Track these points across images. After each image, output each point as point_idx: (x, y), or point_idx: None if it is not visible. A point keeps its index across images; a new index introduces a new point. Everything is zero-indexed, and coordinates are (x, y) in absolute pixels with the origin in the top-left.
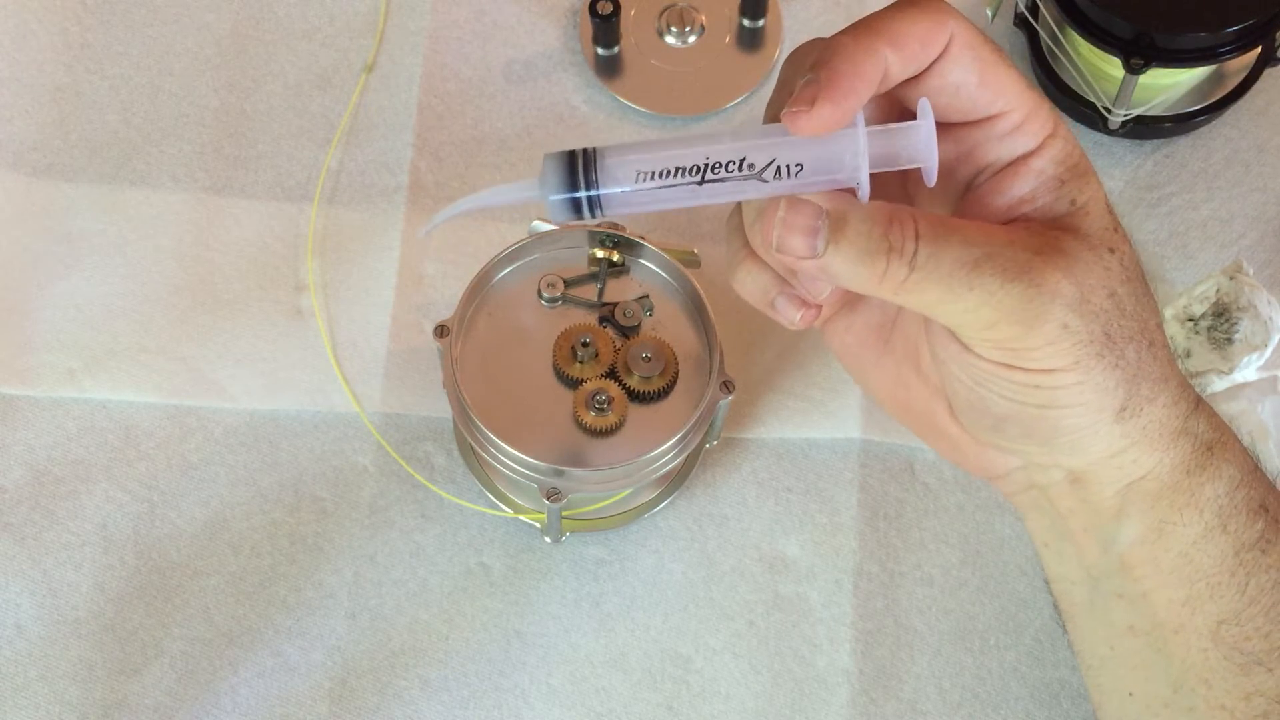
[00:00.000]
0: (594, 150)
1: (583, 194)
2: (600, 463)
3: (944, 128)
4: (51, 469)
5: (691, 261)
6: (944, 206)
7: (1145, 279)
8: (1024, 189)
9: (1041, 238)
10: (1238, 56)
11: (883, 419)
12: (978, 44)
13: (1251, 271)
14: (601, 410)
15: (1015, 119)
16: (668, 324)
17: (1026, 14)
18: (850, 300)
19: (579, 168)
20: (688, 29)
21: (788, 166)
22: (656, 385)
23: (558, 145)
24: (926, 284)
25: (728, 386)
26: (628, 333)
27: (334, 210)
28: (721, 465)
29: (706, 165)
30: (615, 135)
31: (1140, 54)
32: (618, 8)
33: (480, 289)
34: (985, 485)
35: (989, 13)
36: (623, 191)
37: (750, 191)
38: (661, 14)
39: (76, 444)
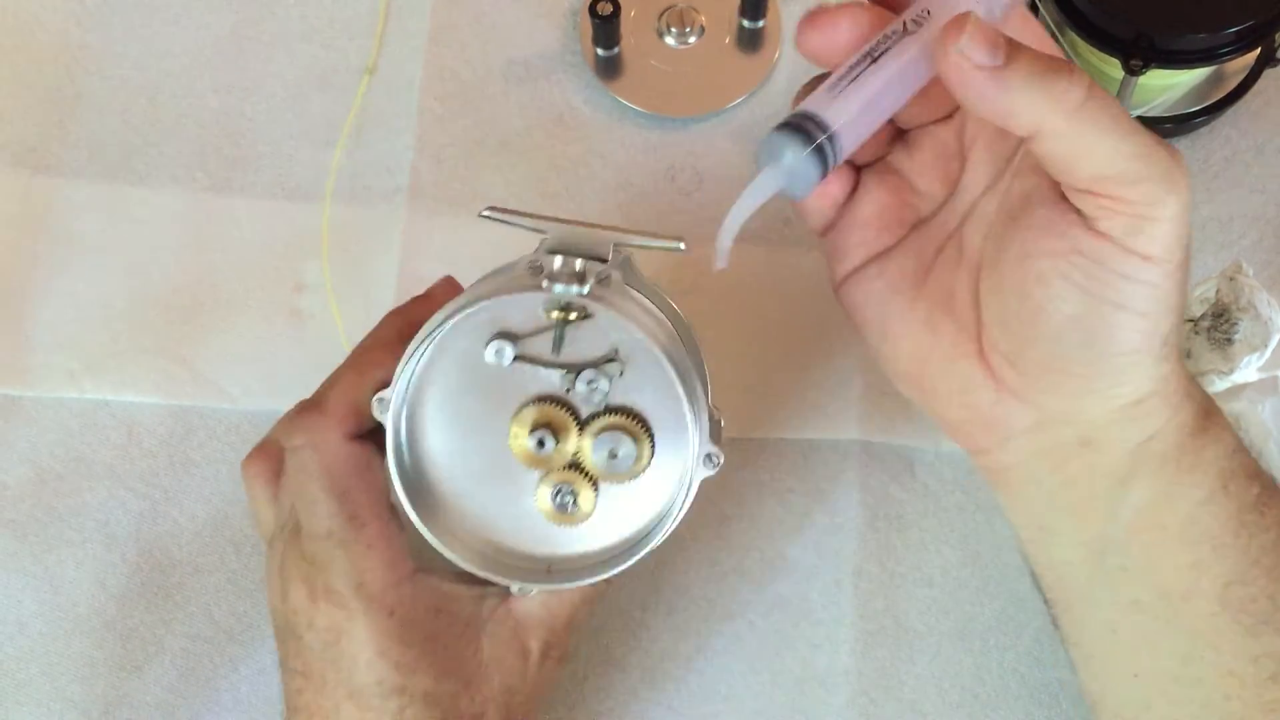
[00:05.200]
0: (797, 112)
1: (820, 137)
2: (567, 549)
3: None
4: (54, 466)
5: (676, 251)
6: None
7: None
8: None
9: None
10: (1237, 57)
11: (883, 419)
12: None
13: (1251, 272)
14: (564, 510)
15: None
16: (642, 377)
17: None
18: (885, 249)
19: (799, 128)
20: (687, 30)
21: (924, 11)
22: (628, 476)
23: (558, 145)
24: (1100, 114)
25: (711, 459)
26: (590, 419)
27: (334, 210)
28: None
29: (869, 50)
30: (615, 135)
31: (1140, 55)
32: (618, 8)
33: (420, 358)
34: (985, 485)
35: None
36: (837, 111)
37: (911, 48)
38: (661, 15)
39: (79, 441)
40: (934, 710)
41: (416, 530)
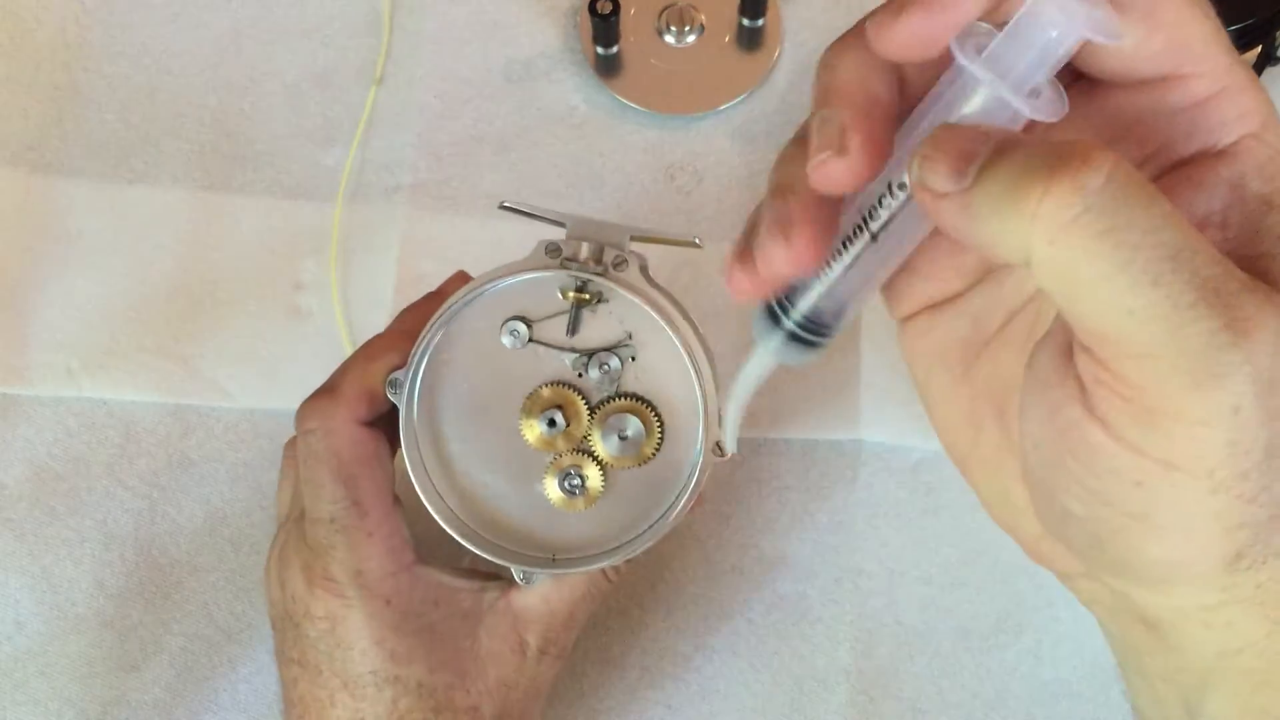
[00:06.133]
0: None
1: (790, 324)
2: (572, 537)
3: (1096, 87)
4: (52, 465)
5: (692, 247)
6: None
7: None
8: (1212, 204)
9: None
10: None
11: (883, 419)
12: None
13: None
14: (573, 494)
15: (1201, 89)
16: (654, 364)
17: None
18: (943, 298)
19: (775, 307)
20: (687, 28)
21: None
22: (636, 460)
23: (557, 144)
24: (1100, 243)
25: (720, 448)
26: (601, 404)
27: (334, 209)
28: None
29: (864, 216)
30: (614, 134)
31: None
32: (617, 7)
33: (435, 335)
34: None
35: None
36: (820, 294)
37: (920, 217)
38: (661, 13)
39: (77, 440)
40: (934, 710)
41: (419, 519)
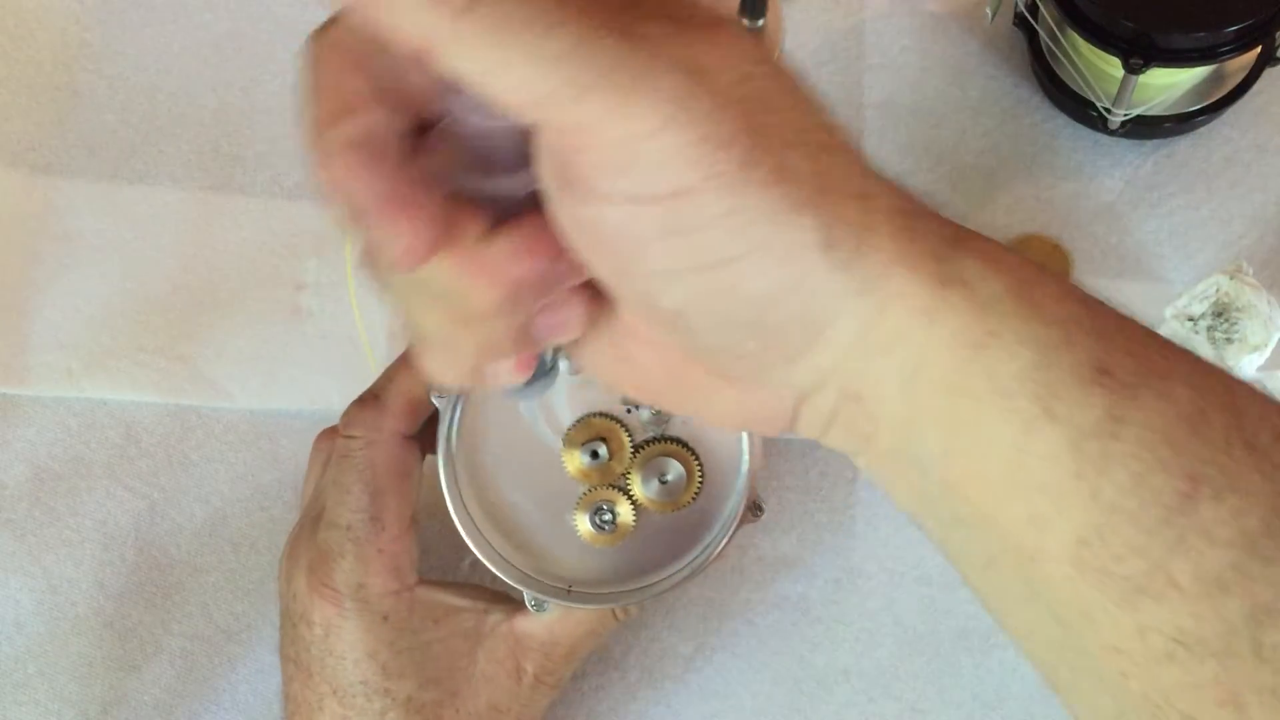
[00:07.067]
0: None
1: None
2: (592, 573)
3: None
4: (52, 465)
5: None
6: None
7: (797, 78)
8: None
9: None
10: (1238, 56)
11: None
12: None
13: (1252, 271)
14: (602, 529)
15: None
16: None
17: (1026, 14)
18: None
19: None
20: None
21: None
22: (671, 506)
23: None
24: (497, 18)
25: (757, 510)
26: (645, 444)
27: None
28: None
29: None
30: None
31: (1140, 54)
32: None
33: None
34: None
35: (989, 12)
36: None
37: None
38: None
39: (78, 441)
40: (934, 710)
41: (438, 531)
